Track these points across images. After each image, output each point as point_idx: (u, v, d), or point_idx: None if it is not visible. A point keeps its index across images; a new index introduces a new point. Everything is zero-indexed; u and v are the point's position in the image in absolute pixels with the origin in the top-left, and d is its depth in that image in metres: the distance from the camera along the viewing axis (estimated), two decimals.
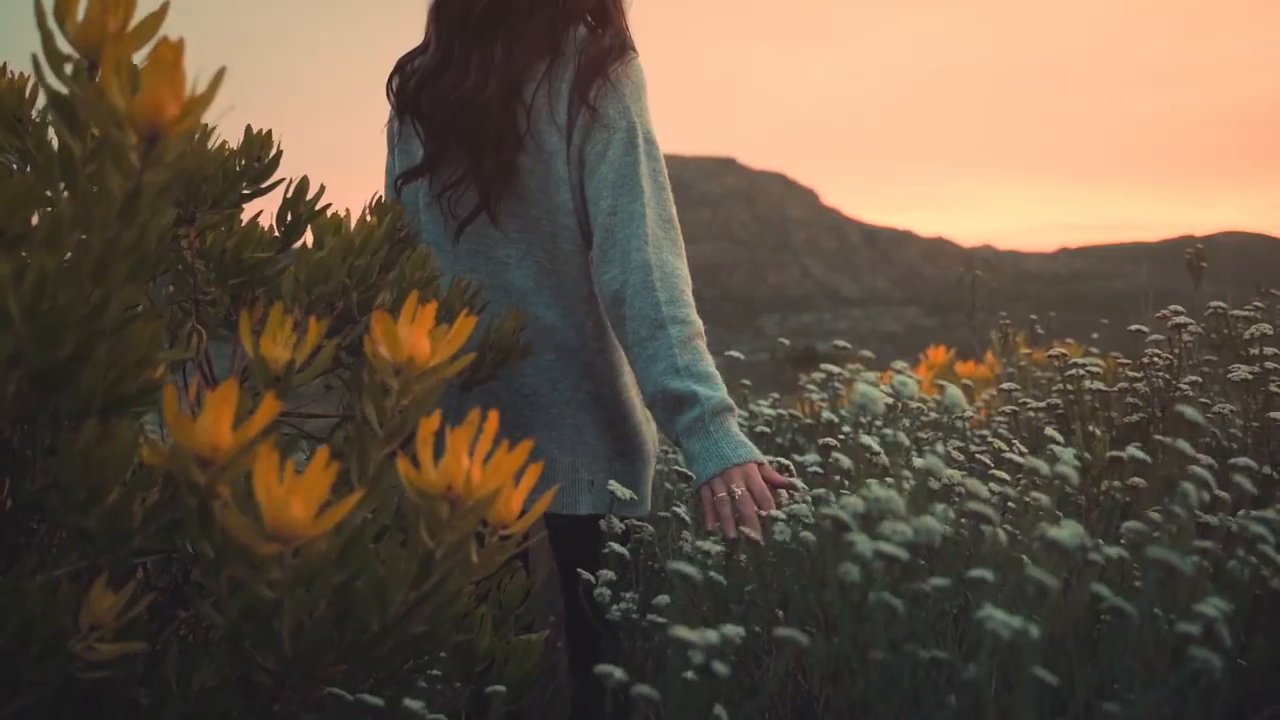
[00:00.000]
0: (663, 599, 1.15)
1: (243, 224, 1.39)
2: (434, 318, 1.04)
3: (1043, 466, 0.94)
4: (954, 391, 0.91)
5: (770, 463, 1.58)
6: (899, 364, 3.06)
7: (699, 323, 1.57)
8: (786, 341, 2.73)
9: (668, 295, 1.54)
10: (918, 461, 1.08)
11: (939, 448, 0.99)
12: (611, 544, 1.24)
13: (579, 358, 1.68)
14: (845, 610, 0.87)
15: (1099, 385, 1.90)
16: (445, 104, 1.64)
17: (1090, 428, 1.14)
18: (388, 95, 1.76)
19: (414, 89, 1.69)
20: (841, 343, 2.54)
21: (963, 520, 0.96)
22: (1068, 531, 0.80)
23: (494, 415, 0.90)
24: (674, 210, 1.64)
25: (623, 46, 1.65)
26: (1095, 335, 2.72)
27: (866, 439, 1.22)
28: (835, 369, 2.40)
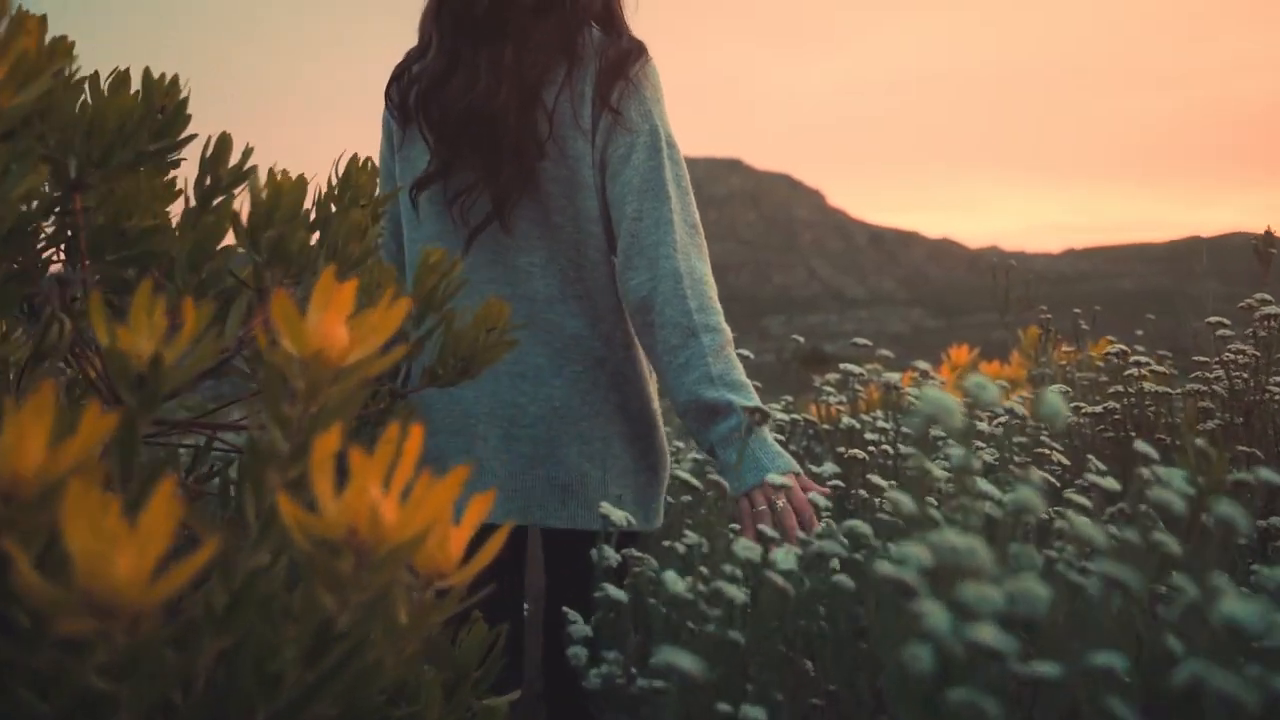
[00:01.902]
0: (663, 657, 0.89)
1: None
2: (354, 299, 0.79)
3: (1175, 501, 0.68)
4: (1054, 399, 0.66)
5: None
6: (921, 364, 2.81)
7: (729, 330, 1.54)
8: (801, 339, 2.47)
9: (698, 303, 1.51)
10: (985, 485, 0.82)
11: (1032, 474, 0.74)
12: (605, 585, 0.99)
13: (606, 368, 1.63)
14: (909, 708, 0.61)
15: (1163, 388, 1.65)
16: (456, 110, 1.58)
17: (1199, 442, 0.88)
18: (388, 105, 1.68)
19: (420, 96, 1.62)
20: (862, 340, 2.29)
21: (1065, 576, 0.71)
22: (1246, 607, 0.54)
23: (416, 432, 0.65)
24: (698, 215, 1.61)
25: (641, 48, 1.62)
26: (1139, 332, 2.46)
27: (906, 457, 0.97)
28: (855, 369, 2.15)
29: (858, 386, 2.27)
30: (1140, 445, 0.88)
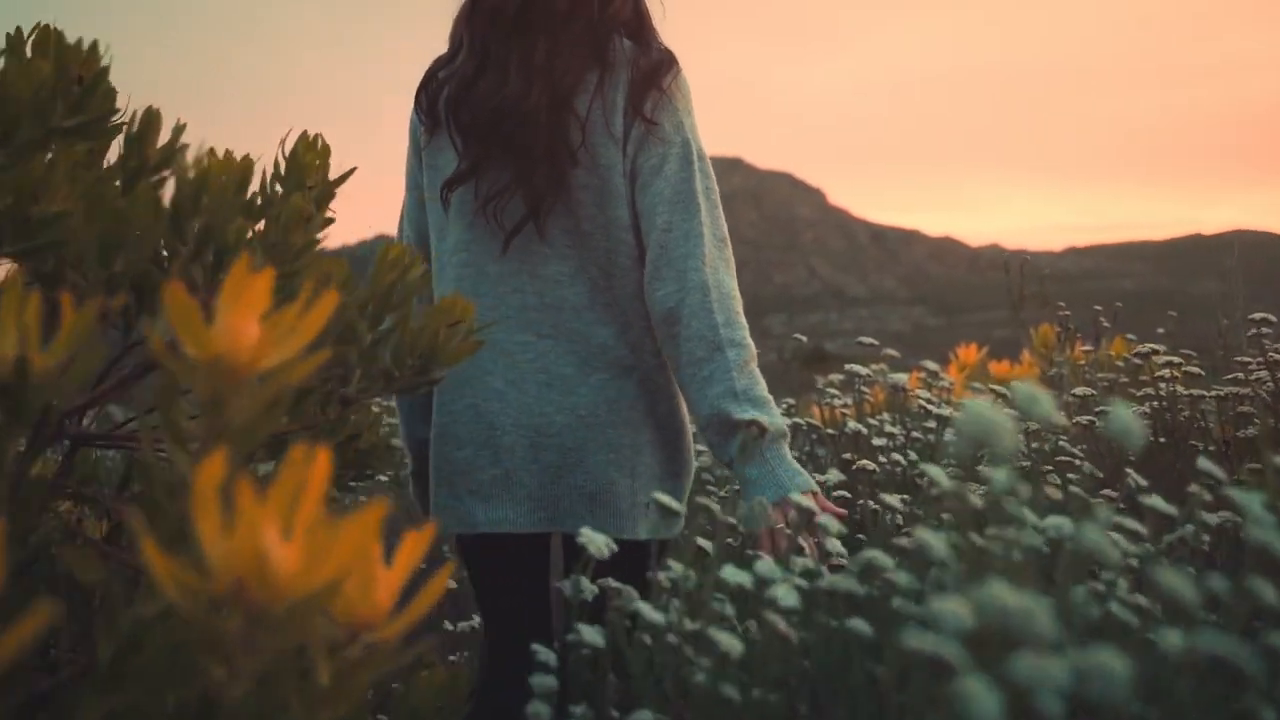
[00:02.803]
0: (644, 716, 0.76)
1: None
2: (270, 292, 0.66)
3: (1276, 542, 0.55)
4: (1125, 414, 0.52)
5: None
6: (929, 364, 2.68)
7: (753, 345, 1.55)
8: (803, 338, 2.34)
9: (725, 317, 1.52)
10: (1040, 519, 0.69)
11: (1100, 510, 0.60)
12: (579, 626, 0.86)
13: (634, 376, 1.63)
14: None
15: (1197, 390, 1.51)
16: (486, 110, 1.58)
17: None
18: (417, 111, 1.68)
19: (450, 99, 1.62)
20: (868, 339, 2.16)
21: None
22: None
23: (323, 456, 0.52)
24: (726, 229, 1.61)
25: (672, 59, 1.62)
26: (1161, 330, 2.33)
27: (928, 468, 0.84)
28: (861, 369, 2.01)
29: (863, 388, 2.13)
30: (1203, 463, 0.74)
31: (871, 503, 1.46)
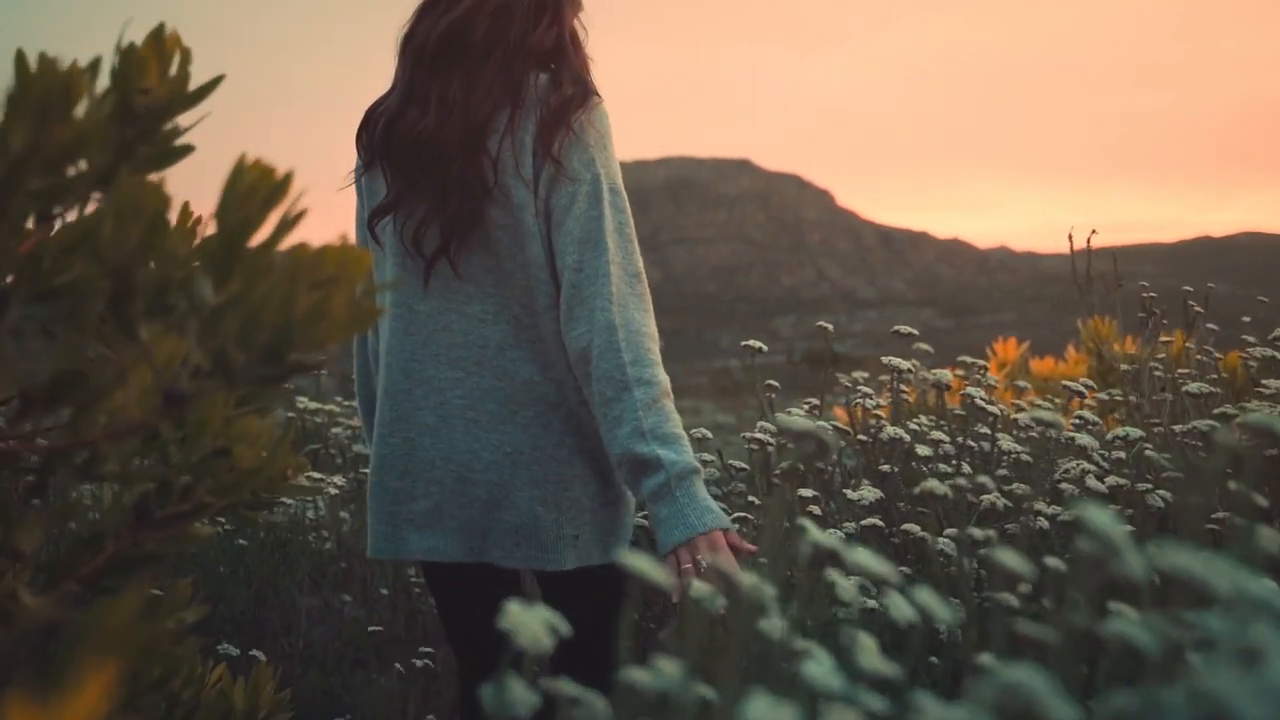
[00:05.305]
0: None
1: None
2: None
3: None
4: None
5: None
6: (966, 359, 2.33)
7: (665, 381, 1.56)
8: (830, 327, 1.99)
9: (633, 355, 1.54)
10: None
11: None
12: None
13: (560, 411, 1.65)
14: None
15: None
16: (408, 143, 1.63)
17: None
18: (358, 147, 1.72)
19: (381, 133, 1.67)
20: (906, 328, 1.81)
21: None
22: None
23: None
24: (640, 263, 1.62)
25: (584, 93, 1.61)
26: (1246, 319, 1.97)
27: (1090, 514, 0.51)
28: (903, 364, 1.67)
29: (903, 387, 1.78)
30: None
31: (927, 535, 1.11)
